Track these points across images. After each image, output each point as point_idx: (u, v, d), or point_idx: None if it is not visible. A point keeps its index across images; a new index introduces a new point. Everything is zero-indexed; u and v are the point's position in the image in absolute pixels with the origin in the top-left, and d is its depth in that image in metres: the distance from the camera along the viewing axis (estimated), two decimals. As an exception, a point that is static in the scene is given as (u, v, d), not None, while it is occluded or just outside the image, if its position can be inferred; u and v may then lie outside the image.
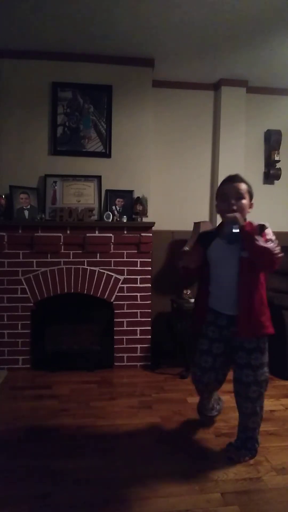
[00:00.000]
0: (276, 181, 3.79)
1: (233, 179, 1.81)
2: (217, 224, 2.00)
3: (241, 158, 3.59)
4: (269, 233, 1.77)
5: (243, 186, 1.79)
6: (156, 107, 3.47)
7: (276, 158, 3.65)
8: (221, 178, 3.50)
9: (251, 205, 1.84)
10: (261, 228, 1.77)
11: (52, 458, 1.86)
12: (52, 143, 3.20)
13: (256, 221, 1.79)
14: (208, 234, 1.98)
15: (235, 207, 1.76)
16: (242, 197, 1.78)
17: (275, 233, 1.82)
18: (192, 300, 3.11)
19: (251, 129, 3.68)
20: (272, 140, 3.69)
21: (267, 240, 1.72)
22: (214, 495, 1.59)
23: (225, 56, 3.13)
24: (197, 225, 3.32)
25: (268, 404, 2.49)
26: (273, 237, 1.76)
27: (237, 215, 1.73)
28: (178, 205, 3.63)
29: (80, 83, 3.21)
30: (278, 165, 3.71)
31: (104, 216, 3.14)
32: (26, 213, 3.11)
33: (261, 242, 1.68)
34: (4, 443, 1.99)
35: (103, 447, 1.97)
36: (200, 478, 1.70)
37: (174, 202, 3.63)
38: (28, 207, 3.12)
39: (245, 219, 1.78)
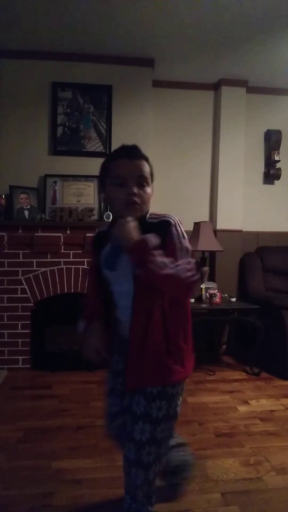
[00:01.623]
0: (276, 181, 3.79)
1: (134, 154, 1.19)
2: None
3: (241, 158, 3.59)
4: (177, 233, 1.14)
5: (147, 167, 1.20)
6: (156, 107, 3.47)
7: (276, 158, 3.65)
8: (221, 178, 3.58)
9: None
10: (163, 226, 1.14)
11: (52, 458, 1.86)
12: (52, 143, 3.20)
13: (157, 216, 1.18)
14: (101, 235, 1.35)
15: (137, 199, 1.14)
16: (147, 184, 1.18)
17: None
18: (193, 300, 3.11)
19: (251, 129, 3.68)
20: (272, 140, 3.69)
21: (173, 249, 1.11)
22: (214, 495, 1.59)
23: (225, 56, 3.13)
24: (197, 225, 3.32)
25: (268, 404, 2.50)
26: (182, 239, 1.15)
27: (129, 228, 1.08)
28: (178, 205, 3.63)
29: (80, 83, 3.21)
30: (278, 165, 3.71)
31: (104, 216, 3.14)
32: (26, 213, 3.11)
33: (159, 264, 1.04)
34: (4, 443, 1.99)
35: (103, 447, 1.96)
36: (200, 478, 1.70)
37: (174, 202, 3.62)
38: (28, 207, 3.12)
39: (146, 213, 1.19)
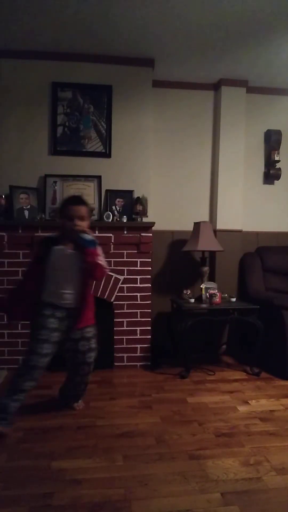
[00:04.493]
0: (276, 181, 3.79)
1: (77, 202, 2.17)
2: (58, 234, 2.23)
3: (241, 158, 3.59)
4: (99, 250, 2.16)
5: (84, 210, 2.16)
6: (156, 107, 3.47)
7: (276, 158, 3.65)
8: (221, 178, 3.59)
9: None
10: (91, 243, 2.09)
11: (52, 458, 1.86)
12: (52, 143, 3.20)
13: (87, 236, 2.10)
14: (50, 241, 2.20)
15: (79, 227, 2.10)
16: (84, 219, 2.16)
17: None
18: (193, 300, 3.12)
19: (251, 129, 3.68)
20: (272, 140, 3.69)
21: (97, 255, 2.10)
22: (214, 495, 1.59)
23: (225, 56, 3.13)
24: (197, 225, 3.32)
25: (268, 404, 2.50)
26: (101, 254, 2.16)
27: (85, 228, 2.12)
28: (178, 205, 3.63)
29: (80, 83, 3.21)
30: (278, 165, 3.71)
31: (104, 216, 3.14)
32: (26, 213, 3.11)
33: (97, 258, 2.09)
34: (4, 443, 1.99)
35: (103, 447, 1.97)
36: (200, 478, 1.70)
37: (174, 202, 3.63)
38: (28, 207, 3.12)
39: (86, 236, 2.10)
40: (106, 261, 2.17)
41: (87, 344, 2.22)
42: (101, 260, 2.11)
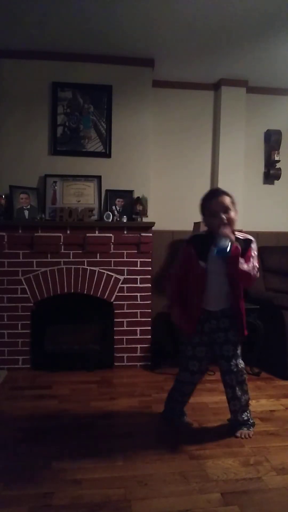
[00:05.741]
0: (276, 181, 3.79)
1: (217, 194, 1.92)
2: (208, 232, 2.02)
3: (241, 158, 3.59)
4: (254, 248, 1.93)
5: (228, 200, 1.89)
6: (156, 107, 3.47)
7: (276, 158, 3.65)
8: (221, 178, 3.58)
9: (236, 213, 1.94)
10: (247, 242, 1.91)
11: (52, 458, 1.86)
12: (52, 143, 3.20)
13: (243, 235, 1.94)
14: (203, 239, 2.00)
15: (226, 221, 1.86)
16: (230, 210, 1.88)
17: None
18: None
19: (251, 129, 3.68)
20: (272, 140, 3.69)
21: (250, 256, 1.90)
22: (214, 495, 1.59)
23: (225, 56, 3.13)
24: (197, 225, 3.32)
25: (268, 404, 2.50)
26: (256, 253, 1.95)
27: (229, 232, 1.83)
28: (178, 205, 3.63)
29: (80, 83, 3.21)
30: (278, 165, 3.71)
31: (104, 216, 3.14)
32: (26, 213, 3.11)
33: (243, 264, 1.85)
34: (4, 443, 1.99)
35: (103, 447, 1.97)
36: (200, 478, 1.70)
37: (174, 202, 3.63)
38: (28, 207, 3.12)
39: (233, 230, 1.90)
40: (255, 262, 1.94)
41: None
42: (246, 265, 1.88)
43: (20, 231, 3.04)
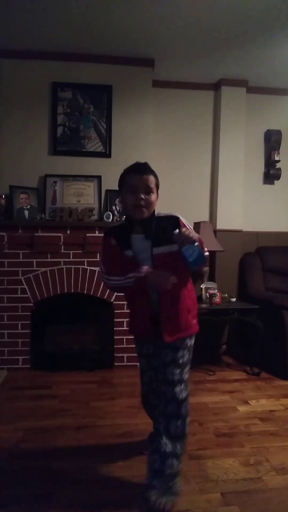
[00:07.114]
0: (276, 181, 3.79)
1: (142, 171, 1.65)
2: (123, 217, 1.79)
3: (241, 158, 3.59)
4: (185, 221, 1.69)
5: (152, 179, 1.64)
6: (156, 107, 3.47)
7: (276, 158, 3.65)
8: (221, 177, 3.58)
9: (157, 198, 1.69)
10: (174, 219, 1.64)
11: (52, 458, 1.86)
12: (52, 143, 3.20)
13: (165, 213, 1.68)
14: (121, 229, 1.75)
15: (143, 202, 1.60)
16: (152, 191, 1.63)
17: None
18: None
19: (251, 129, 3.68)
20: (272, 140, 3.69)
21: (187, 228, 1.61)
22: (214, 495, 1.59)
23: (225, 56, 3.13)
24: (197, 225, 3.32)
25: (268, 404, 2.50)
26: (190, 226, 1.68)
27: (189, 233, 1.50)
28: (178, 205, 3.62)
29: (80, 83, 3.21)
30: (278, 165, 3.70)
31: (104, 216, 3.14)
32: (26, 213, 3.11)
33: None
34: (4, 443, 1.99)
35: (103, 447, 1.97)
36: (200, 478, 1.70)
37: (174, 202, 3.62)
38: (28, 207, 3.12)
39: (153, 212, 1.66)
40: None
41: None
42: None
43: (20, 231, 3.04)
